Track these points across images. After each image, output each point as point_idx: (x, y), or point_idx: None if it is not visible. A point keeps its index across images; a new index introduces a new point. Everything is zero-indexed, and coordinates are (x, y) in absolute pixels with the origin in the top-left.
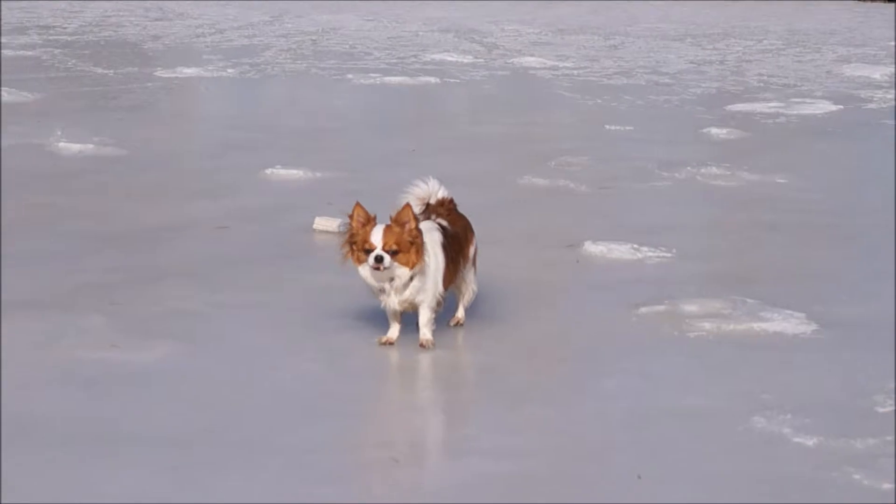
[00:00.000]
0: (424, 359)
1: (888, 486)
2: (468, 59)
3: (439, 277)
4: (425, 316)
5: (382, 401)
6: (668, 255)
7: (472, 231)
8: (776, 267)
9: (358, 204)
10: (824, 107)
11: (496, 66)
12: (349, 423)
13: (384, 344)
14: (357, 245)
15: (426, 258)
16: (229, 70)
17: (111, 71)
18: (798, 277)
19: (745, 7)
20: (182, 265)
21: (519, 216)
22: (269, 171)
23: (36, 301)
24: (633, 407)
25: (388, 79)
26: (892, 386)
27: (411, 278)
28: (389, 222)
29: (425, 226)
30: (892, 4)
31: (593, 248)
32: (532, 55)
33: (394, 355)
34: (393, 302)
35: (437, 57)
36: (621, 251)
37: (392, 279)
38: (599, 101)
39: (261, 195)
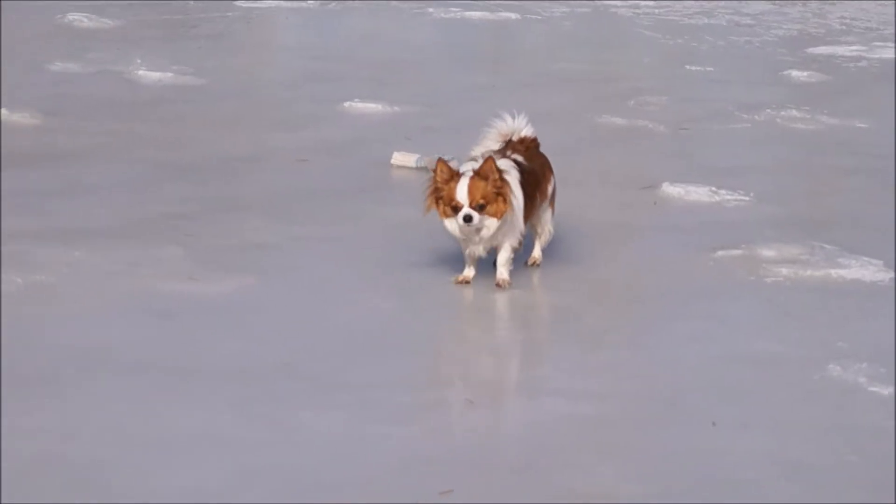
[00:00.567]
0: (500, 298)
1: None
2: None
3: (520, 215)
4: (505, 255)
5: (456, 340)
6: (746, 198)
7: (550, 170)
8: (855, 213)
9: (440, 160)
10: None
11: (577, 3)
12: (422, 361)
13: (460, 283)
14: (443, 200)
15: (513, 204)
16: (309, 0)
17: None
18: (876, 224)
19: None
20: (259, 197)
21: (596, 156)
22: (347, 103)
23: (113, 229)
24: (707, 351)
25: (468, 13)
26: None
27: (499, 228)
28: (472, 175)
29: (501, 164)
30: None
31: (671, 189)
32: None
33: (469, 294)
34: (478, 250)
35: None
36: (699, 193)
37: (479, 230)
38: (680, 40)
39: (339, 128)
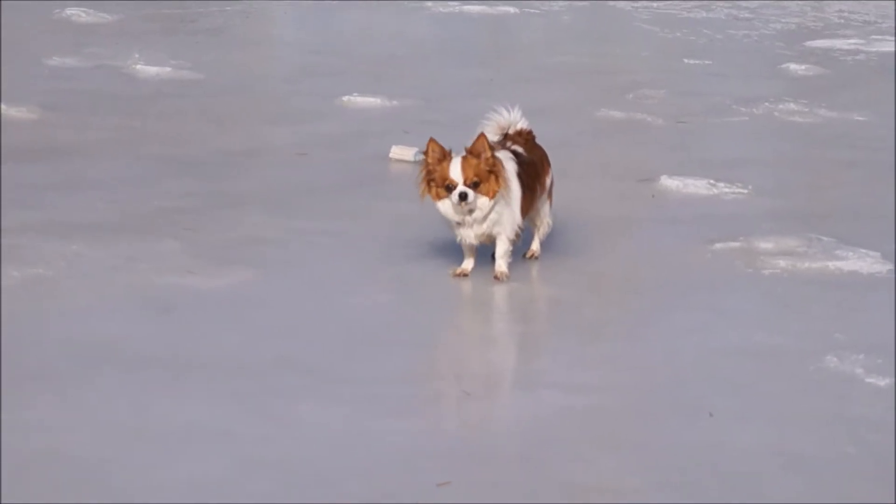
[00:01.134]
0: (499, 291)
1: None
2: None
3: (517, 207)
4: (502, 247)
5: (455, 332)
6: (744, 191)
7: (548, 162)
8: (852, 205)
9: (432, 139)
10: None
11: None
12: (421, 355)
13: (458, 276)
14: (436, 181)
15: (507, 184)
16: None
17: None
18: (874, 216)
19: None
20: (258, 191)
21: (595, 148)
22: (346, 98)
23: (111, 223)
24: (705, 343)
25: (466, 7)
26: None
27: (492, 208)
28: (465, 153)
29: (500, 155)
30: None
31: (669, 182)
32: None
33: (468, 287)
34: (470, 235)
35: None
36: (697, 186)
37: (472, 211)
38: (678, 34)
39: (338, 122)
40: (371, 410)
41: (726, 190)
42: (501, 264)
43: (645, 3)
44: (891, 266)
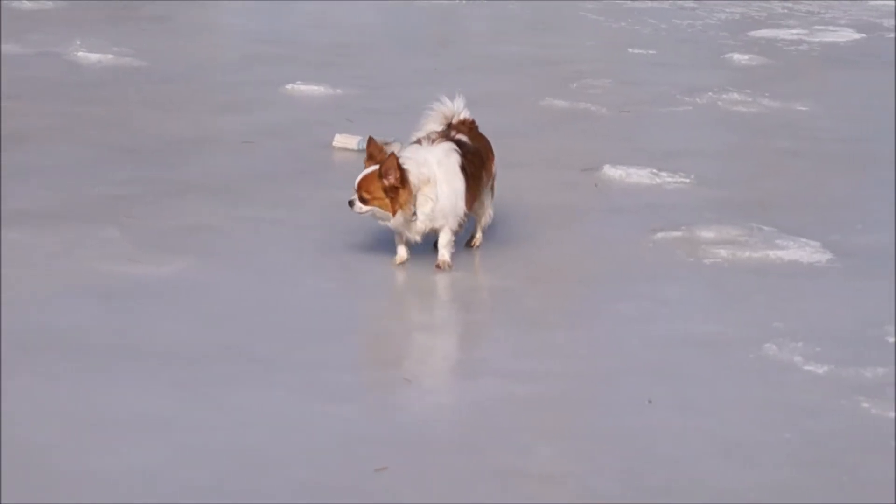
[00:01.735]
0: (441, 280)
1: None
2: None
3: (460, 202)
4: (445, 237)
5: (397, 321)
6: (687, 180)
7: (492, 151)
8: (794, 195)
9: (370, 139)
10: (847, 35)
11: None
12: (362, 342)
13: (399, 265)
14: None
15: (421, 203)
16: None
17: None
18: (815, 206)
19: None
20: (201, 179)
21: (538, 138)
22: (290, 86)
23: (53, 211)
24: (646, 332)
25: None
26: None
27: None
28: (375, 169)
29: (443, 147)
30: None
31: (612, 171)
32: None
33: (410, 276)
34: (411, 236)
35: None
36: (640, 175)
37: (379, 218)
38: (623, 24)
39: (281, 110)
40: (311, 397)
41: (669, 179)
42: (444, 253)
43: None
44: (830, 255)
